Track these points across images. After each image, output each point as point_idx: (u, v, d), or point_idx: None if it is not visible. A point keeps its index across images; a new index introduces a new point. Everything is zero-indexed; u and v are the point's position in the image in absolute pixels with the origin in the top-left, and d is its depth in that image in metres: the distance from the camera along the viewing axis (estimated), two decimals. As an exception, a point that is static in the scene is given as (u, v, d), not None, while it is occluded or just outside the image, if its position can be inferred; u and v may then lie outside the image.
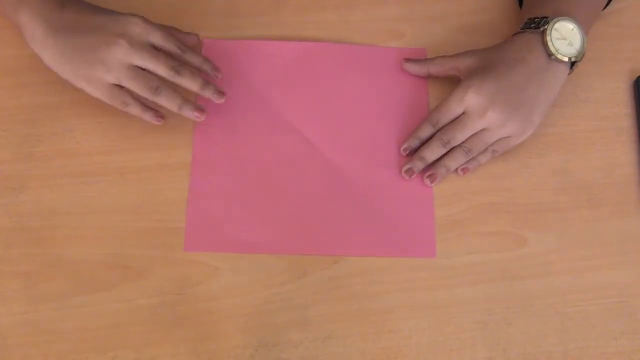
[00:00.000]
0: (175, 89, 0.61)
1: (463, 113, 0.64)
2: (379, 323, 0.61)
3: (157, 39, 0.60)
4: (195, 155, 0.65)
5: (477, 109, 0.62)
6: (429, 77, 0.69)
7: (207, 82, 0.62)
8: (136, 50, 0.59)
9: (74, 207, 0.63)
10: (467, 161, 0.65)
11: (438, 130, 0.65)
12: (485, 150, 0.65)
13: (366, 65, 0.70)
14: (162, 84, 0.60)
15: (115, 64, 0.59)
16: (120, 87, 0.60)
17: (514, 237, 0.65)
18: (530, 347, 0.61)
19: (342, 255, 0.63)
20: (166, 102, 0.61)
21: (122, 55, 0.58)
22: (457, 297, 0.62)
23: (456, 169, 0.65)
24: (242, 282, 0.62)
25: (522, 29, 0.65)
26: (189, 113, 0.62)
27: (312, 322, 0.61)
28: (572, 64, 0.64)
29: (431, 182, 0.65)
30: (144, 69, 0.60)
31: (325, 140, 0.67)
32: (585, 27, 0.64)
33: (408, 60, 0.69)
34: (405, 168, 0.65)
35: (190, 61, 0.63)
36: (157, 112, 0.62)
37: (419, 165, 0.65)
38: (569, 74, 0.65)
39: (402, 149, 0.66)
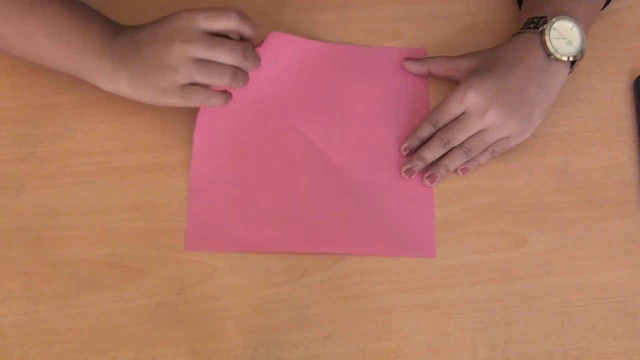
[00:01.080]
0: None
1: (463, 113, 0.64)
2: (379, 323, 0.61)
3: (204, 24, 0.58)
4: (195, 156, 0.65)
5: (477, 109, 0.62)
6: (429, 76, 0.69)
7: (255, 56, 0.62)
8: (191, 43, 0.57)
9: (74, 207, 0.64)
10: (467, 161, 0.65)
11: (438, 130, 0.65)
12: (485, 150, 0.65)
13: (366, 65, 0.70)
14: (227, 69, 0.59)
15: (179, 63, 0.58)
16: (194, 84, 0.59)
17: (514, 237, 0.65)
18: (530, 347, 0.61)
19: (342, 254, 0.63)
20: (242, 83, 0.61)
21: (181, 53, 0.57)
22: (457, 297, 0.62)
23: (456, 169, 0.65)
24: (242, 282, 0.62)
25: (521, 29, 0.65)
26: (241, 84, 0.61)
27: (312, 322, 0.61)
28: (572, 63, 0.64)
29: (431, 183, 0.65)
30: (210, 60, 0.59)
31: (325, 140, 0.67)
32: (585, 26, 0.64)
33: (408, 59, 0.69)
34: (405, 168, 0.65)
35: (245, 34, 0.61)
36: (225, 92, 0.62)
37: (419, 165, 0.65)
38: (569, 73, 0.65)
39: (402, 148, 0.66)
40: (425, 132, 0.65)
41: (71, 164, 0.65)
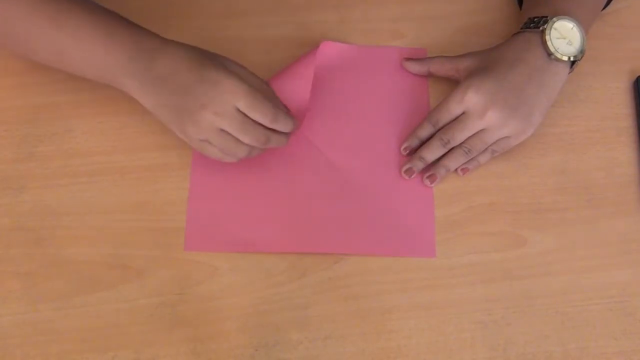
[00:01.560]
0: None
1: (463, 113, 0.64)
2: (379, 323, 0.61)
3: (243, 106, 0.57)
4: (195, 155, 0.65)
5: (477, 109, 0.62)
6: (429, 76, 0.69)
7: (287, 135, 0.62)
8: (223, 118, 0.57)
9: (74, 207, 0.64)
10: (467, 161, 0.65)
11: (438, 130, 0.65)
12: (485, 150, 0.65)
13: (366, 65, 0.70)
14: (243, 148, 0.59)
15: (203, 128, 0.57)
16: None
17: (514, 237, 0.65)
18: (530, 347, 0.61)
19: (342, 254, 0.63)
20: (255, 154, 0.61)
21: (208, 124, 0.57)
22: (457, 297, 0.62)
23: (456, 169, 0.66)
24: (242, 282, 0.62)
25: (521, 28, 0.65)
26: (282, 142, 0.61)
27: (312, 322, 0.61)
28: (572, 63, 0.64)
29: (431, 183, 0.65)
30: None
31: (325, 140, 0.67)
32: (585, 26, 0.64)
33: (408, 59, 0.69)
34: (405, 168, 0.65)
35: (279, 129, 0.60)
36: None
37: (418, 165, 0.65)
38: (569, 73, 0.65)
39: (402, 148, 0.66)
40: (425, 132, 0.65)
41: (71, 164, 0.65)
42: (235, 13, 0.72)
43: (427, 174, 0.65)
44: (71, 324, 0.60)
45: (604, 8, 0.70)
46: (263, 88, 0.60)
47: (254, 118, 0.58)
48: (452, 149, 0.65)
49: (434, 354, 0.61)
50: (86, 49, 0.58)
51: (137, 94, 0.59)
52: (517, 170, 0.67)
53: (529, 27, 0.64)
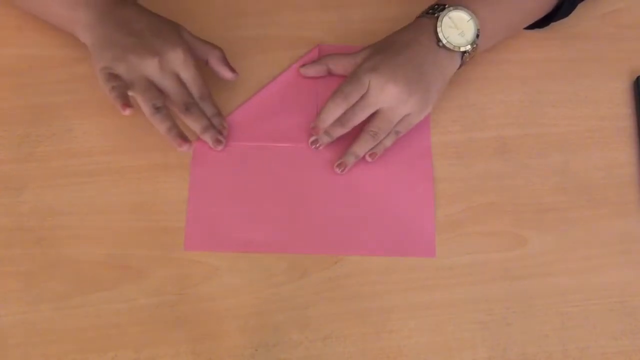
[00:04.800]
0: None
1: (364, 95, 0.63)
2: (379, 323, 0.61)
3: (186, 76, 0.62)
4: (196, 155, 0.65)
5: (378, 83, 0.62)
6: (331, 75, 0.68)
7: (210, 125, 0.64)
8: (163, 72, 0.61)
9: (74, 207, 0.64)
10: (374, 147, 0.64)
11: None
12: (389, 133, 0.64)
13: None
14: (165, 108, 0.61)
15: (139, 71, 0.60)
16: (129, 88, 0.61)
17: (514, 237, 0.65)
18: (530, 347, 0.61)
19: (342, 254, 0.63)
20: (158, 123, 0.61)
21: (149, 69, 0.60)
22: (457, 297, 0.62)
23: (364, 156, 0.65)
24: (242, 282, 0.62)
25: (420, 15, 0.65)
26: (174, 138, 0.62)
27: (312, 322, 0.61)
28: (463, 54, 0.64)
29: (341, 171, 0.65)
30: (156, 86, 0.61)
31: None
32: (495, 25, 0.65)
33: (303, 65, 0.68)
34: (311, 139, 0.65)
35: (205, 110, 0.64)
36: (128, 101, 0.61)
37: (324, 139, 0.65)
38: (460, 66, 0.65)
39: (311, 127, 0.65)
40: (330, 113, 0.64)
41: (71, 164, 0.65)
42: (235, 13, 0.72)
43: (337, 163, 0.65)
44: (71, 324, 0.60)
45: (549, 21, 0.69)
46: (210, 52, 0.65)
47: (192, 90, 0.63)
48: (359, 134, 0.64)
49: (434, 354, 0.61)
50: None
51: (91, 23, 0.61)
52: (517, 170, 0.67)
53: (427, 13, 0.65)
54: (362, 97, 0.63)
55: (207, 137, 0.64)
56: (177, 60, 0.61)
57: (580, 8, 0.70)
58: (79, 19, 0.62)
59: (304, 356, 0.60)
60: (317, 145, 0.65)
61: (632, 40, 0.73)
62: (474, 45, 0.64)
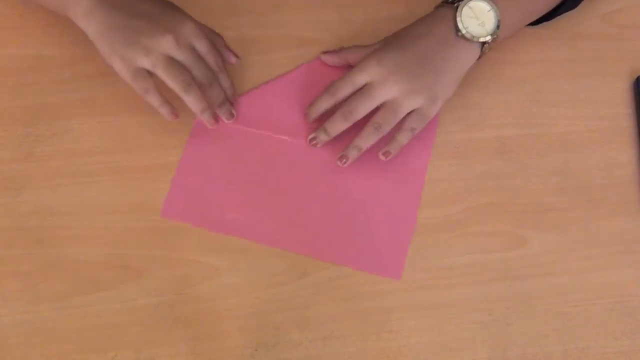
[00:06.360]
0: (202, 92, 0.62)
1: (366, 85, 0.62)
2: (379, 323, 0.61)
3: (201, 47, 0.62)
4: (195, 129, 0.66)
5: (379, 77, 0.61)
6: (350, 67, 0.67)
7: (226, 99, 0.65)
8: (180, 47, 0.60)
9: (74, 207, 0.64)
10: (389, 145, 0.63)
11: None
12: (403, 129, 0.63)
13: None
14: (194, 82, 0.61)
15: (156, 51, 0.60)
16: (148, 73, 0.60)
17: (514, 237, 0.65)
18: (530, 347, 0.61)
19: (310, 256, 0.63)
20: (193, 101, 0.61)
21: (166, 46, 0.60)
22: (457, 297, 0.62)
23: (380, 154, 0.64)
24: (242, 282, 0.62)
25: (439, 4, 0.65)
26: (207, 118, 0.63)
27: (312, 322, 0.61)
28: (483, 45, 0.63)
29: (342, 164, 0.64)
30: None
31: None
32: (513, 15, 0.64)
33: (325, 52, 0.69)
34: (310, 137, 0.65)
35: (220, 82, 0.64)
36: (174, 108, 0.62)
37: (322, 137, 0.64)
38: (479, 56, 0.64)
39: (304, 114, 0.66)
40: (324, 103, 0.64)
41: (71, 164, 0.65)
42: (235, 13, 0.72)
43: (339, 155, 0.64)
44: (71, 324, 0.60)
45: (554, 14, 0.69)
46: (215, 38, 0.65)
47: (208, 60, 0.63)
48: (364, 127, 0.63)
49: (434, 354, 0.61)
50: None
51: (91, 13, 0.60)
52: (517, 170, 0.67)
53: (447, 3, 0.64)
54: (365, 88, 0.62)
55: (224, 110, 0.64)
56: (190, 32, 0.61)
57: (580, 8, 0.70)
58: (78, 3, 0.61)
59: (304, 356, 0.60)
60: (315, 142, 0.65)
61: (632, 40, 0.73)
62: (495, 36, 0.63)
